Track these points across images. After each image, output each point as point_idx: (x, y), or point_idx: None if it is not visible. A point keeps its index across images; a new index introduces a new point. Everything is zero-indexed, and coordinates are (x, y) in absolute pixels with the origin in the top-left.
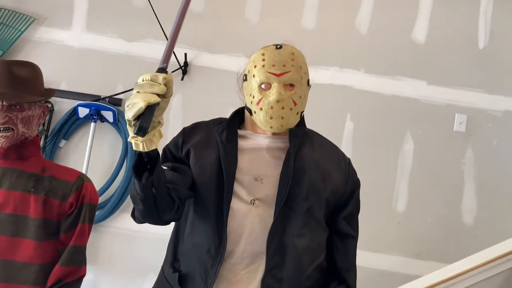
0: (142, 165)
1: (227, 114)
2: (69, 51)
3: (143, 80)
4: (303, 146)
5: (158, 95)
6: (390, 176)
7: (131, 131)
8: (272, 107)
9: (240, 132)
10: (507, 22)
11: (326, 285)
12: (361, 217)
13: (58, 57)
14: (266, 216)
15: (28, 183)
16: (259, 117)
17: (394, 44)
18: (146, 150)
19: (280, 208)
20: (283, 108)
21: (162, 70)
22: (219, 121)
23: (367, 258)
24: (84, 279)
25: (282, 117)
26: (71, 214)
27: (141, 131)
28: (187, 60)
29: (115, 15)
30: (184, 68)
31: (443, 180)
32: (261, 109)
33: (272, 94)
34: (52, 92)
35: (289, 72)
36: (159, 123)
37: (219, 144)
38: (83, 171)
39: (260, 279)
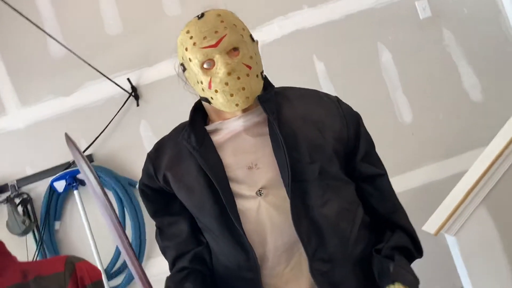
0: None
1: None
2: (17, 134)
3: None
4: (281, 108)
5: None
6: (383, 93)
7: None
8: (226, 83)
9: (208, 128)
10: None
11: (379, 239)
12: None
13: (9, 146)
14: (280, 201)
15: None
16: (218, 100)
17: None
18: None
19: (290, 185)
20: (238, 78)
21: None
22: (181, 128)
23: (400, 183)
24: None
25: (243, 88)
26: None
27: None
28: (133, 84)
29: (42, 75)
30: (135, 93)
31: (435, 71)
32: (216, 91)
33: (220, 69)
34: None
35: (225, 36)
36: None
37: (192, 151)
38: (90, 242)
39: (308, 269)
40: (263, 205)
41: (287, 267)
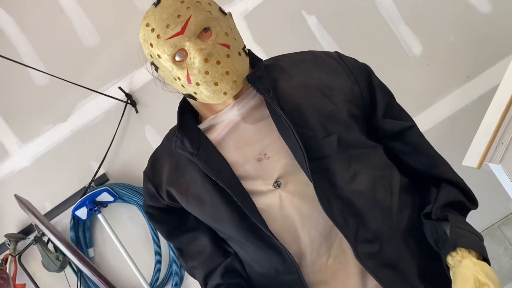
0: None
1: None
2: (26, 172)
3: None
4: (277, 83)
5: None
6: (385, 32)
7: None
8: (206, 72)
9: (201, 126)
10: None
11: (426, 201)
12: (389, 88)
13: (23, 188)
14: (303, 187)
15: None
16: (203, 94)
17: None
18: None
19: (309, 167)
20: (218, 62)
21: None
22: (172, 134)
23: (425, 120)
24: None
25: (227, 73)
26: None
27: None
28: (126, 91)
29: (34, 108)
30: (131, 100)
31: None
32: (197, 84)
33: (194, 58)
34: None
35: (190, 18)
36: None
37: (190, 158)
38: (128, 260)
39: (353, 255)
40: (285, 197)
41: (329, 259)
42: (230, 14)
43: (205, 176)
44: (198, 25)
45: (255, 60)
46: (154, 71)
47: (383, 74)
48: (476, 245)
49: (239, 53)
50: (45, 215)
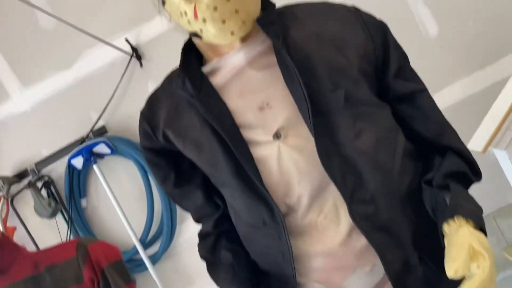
0: None
1: None
2: (25, 117)
3: None
4: (288, 30)
5: None
6: (403, 8)
7: None
8: (215, 8)
9: (204, 69)
10: None
11: (428, 167)
12: None
13: (20, 130)
14: (303, 141)
15: None
16: (209, 31)
17: None
18: None
19: (312, 121)
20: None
21: None
22: (173, 75)
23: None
24: None
25: (236, 11)
26: None
27: None
28: (132, 44)
29: (38, 52)
30: (136, 54)
31: None
32: (204, 20)
33: None
34: None
35: None
36: None
37: (190, 100)
38: (119, 214)
39: (347, 213)
40: (284, 150)
41: (320, 215)
42: None
43: (205, 120)
44: None
45: (267, 2)
46: (161, 4)
47: None
48: (475, 216)
49: None
50: (42, 161)
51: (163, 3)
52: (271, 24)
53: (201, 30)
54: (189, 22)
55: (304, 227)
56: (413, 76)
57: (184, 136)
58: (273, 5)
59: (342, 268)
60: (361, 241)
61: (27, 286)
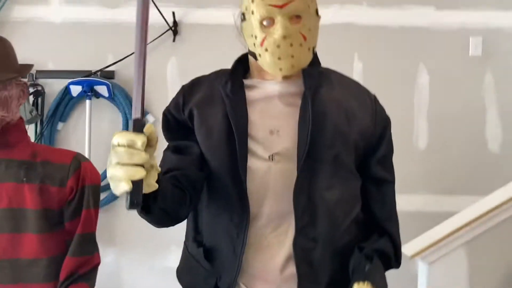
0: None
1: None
2: (51, 27)
3: (118, 144)
4: (320, 87)
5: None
6: (408, 113)
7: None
8: (278, 46)
9: (246, 81)
10: None
11: (366, 238)
12: None
13: (40, 36)
14: (289, 172)
15: (19, 172)
16: (265, 59)
17: None
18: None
19: (303, 160)
20: (291, 45)
21: (138, 123)
22: (221, 73)
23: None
24: (104, 261)
25: (292, 56)
26: (73, 200)
27: (134, 206)
28: (176, 19)
29: None
30: (174, 28)
31: (463, 109)
32: (266, 50)
33: (277, 30)
34: (28, 68)
35: (293, 2)
36: (152, 167)
37: (224, 97)
38: (86, 152)
39: (291, 240)
40: (272, 170)
41: (273, 232)
42: (320, 17)
43: (226, 117)
44: (295, 9)
45: (316, 61)
46: (240, 19)
47: None
48: (380, 286)
49: (309, 49)
50: (44, 71)
51: (243, 20)
52: (310, 77)
53: (259, 55)
54: (254, 44)
55: (257, 236)
56: (390, 168)
57: (204, 120)
58: (319, 63)
59: (269, 281)
60: (292, 268)
61: (21, 167)
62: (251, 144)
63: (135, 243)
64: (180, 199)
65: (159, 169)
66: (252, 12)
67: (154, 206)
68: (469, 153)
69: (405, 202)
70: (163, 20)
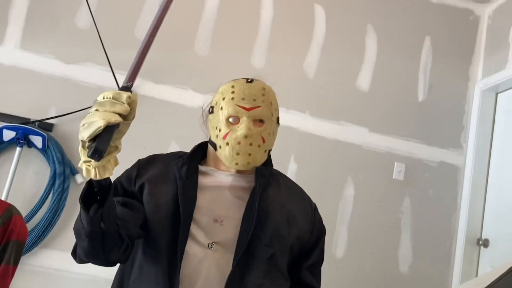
0: (92, 195)
1: (168, 149)
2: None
3: (103, 98)
4: (268, 187)
5: (120, 115)
6: (331, 221)
7: (83, 154)
8: (239, 143)
9: (201, 167)
10: (445, 78)
11: None
12: None
13: None
14: (224, 263)
15: None
16: (224, 152)
17: (340, 90)
18: (98, 178)
19: (240, 254)
20: (251, 144)
21: (127, 88)
22: (178, 155)
23: None
24: None
25: (250, 154)
26: None
27: (97, 154)
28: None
29: (55, 35)
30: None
31: (381, 227)
32: (227, 144)
33: (241, 129)
34: None
35: (259, 107)
36: (116, 148)
37: (177, 179)
38: (3, 197)
39: None
40: (208, 258)
41: None
42: (279, 124)
43: (175, 198)
44: (259, 114)
45: (269, 162)
46: (208, 110)
47: None
48: None
49: (265, 151)
50: None
51: (210, 112)
52: (262, 176)
53: (220, 147)
54: (217, 136)
55: None
56: (318, 276)
57: (154, 195)
58: (272, 166)
59: None
60: None
61: None
62: (194, 229)
63: None
64: (118, 239)
65: (118, 161)
66: (221, 108)
67: (96, 216)
68: (381, 270)
69: None
70: (116, 86)
